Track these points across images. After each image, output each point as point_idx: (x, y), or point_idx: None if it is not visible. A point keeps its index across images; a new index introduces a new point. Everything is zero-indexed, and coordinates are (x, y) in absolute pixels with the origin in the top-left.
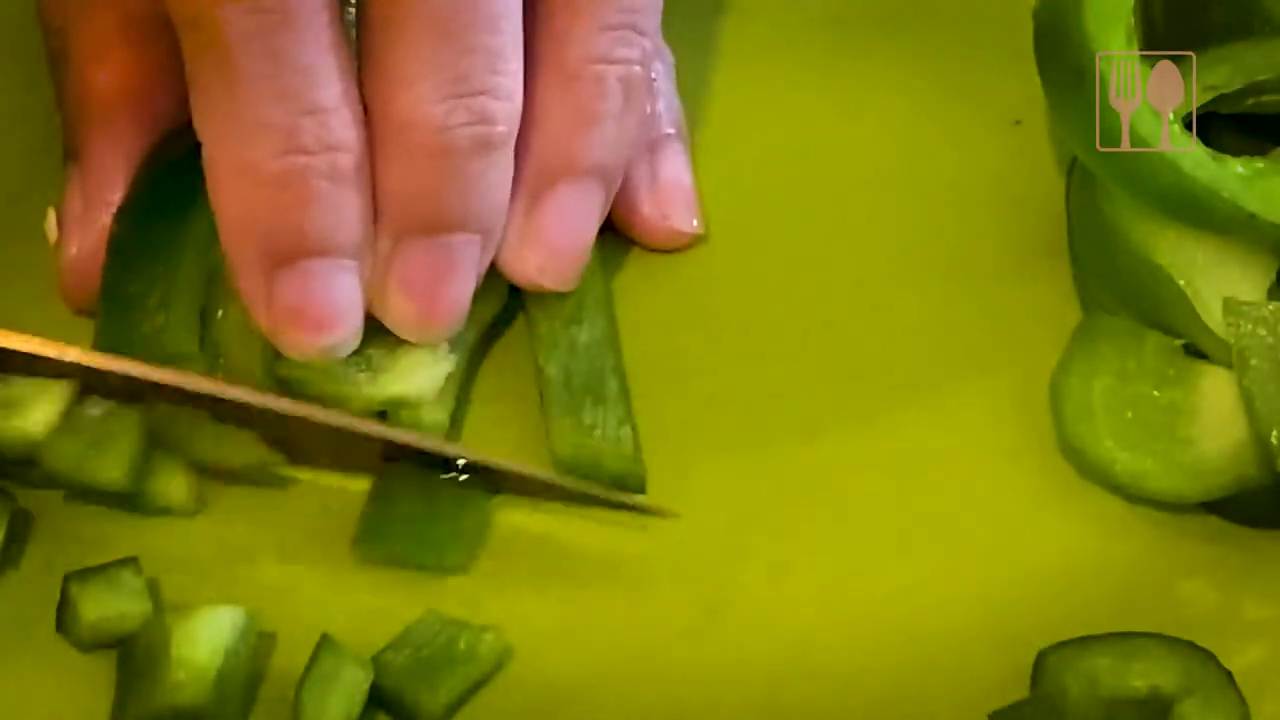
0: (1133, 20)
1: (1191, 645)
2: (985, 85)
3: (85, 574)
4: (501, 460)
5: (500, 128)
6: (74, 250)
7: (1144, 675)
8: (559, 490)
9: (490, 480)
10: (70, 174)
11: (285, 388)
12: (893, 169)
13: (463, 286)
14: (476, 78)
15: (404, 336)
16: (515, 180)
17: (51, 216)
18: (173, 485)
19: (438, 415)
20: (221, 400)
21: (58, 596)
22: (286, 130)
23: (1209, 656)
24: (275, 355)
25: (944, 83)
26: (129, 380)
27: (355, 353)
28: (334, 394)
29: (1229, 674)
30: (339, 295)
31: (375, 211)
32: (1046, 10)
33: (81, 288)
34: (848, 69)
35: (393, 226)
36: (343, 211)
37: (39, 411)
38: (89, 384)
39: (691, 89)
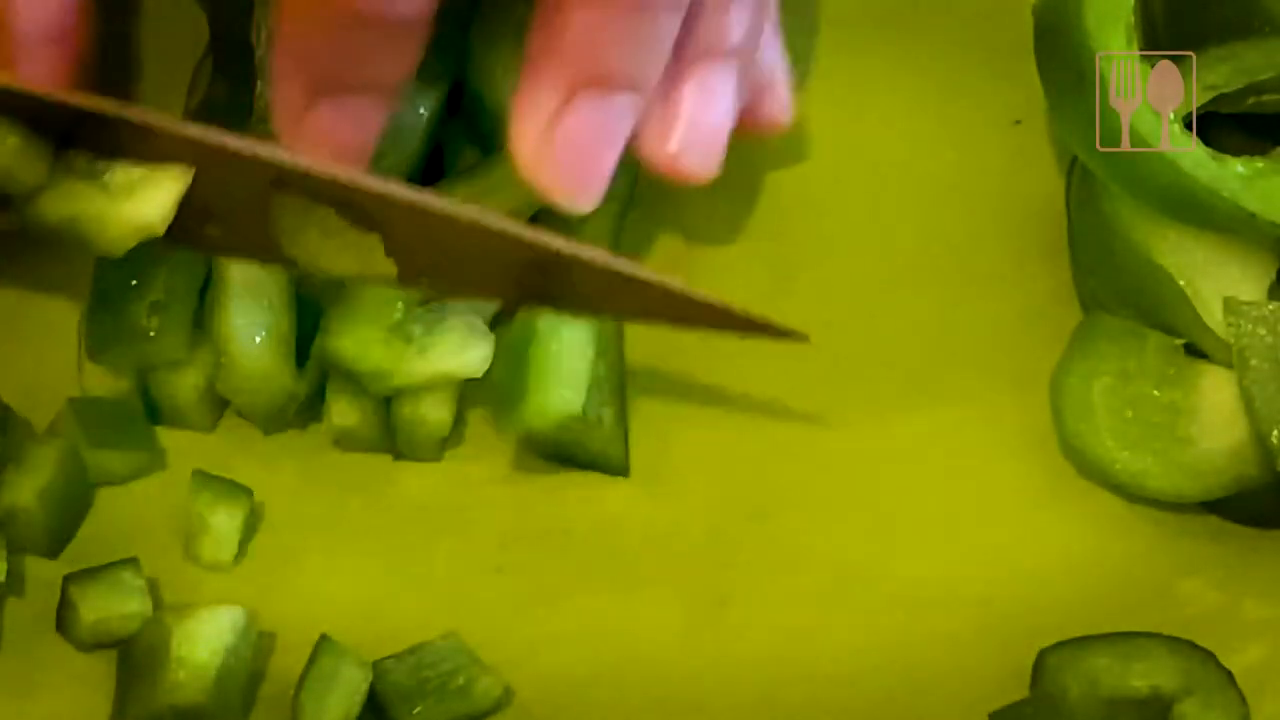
0: (1133, 20)
1: (1191, 645)
2: (985, 85)
3: (85, 574)
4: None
5: None
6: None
7: (1144, 675)
8: (693, 309)
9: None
10: None
11: (330, 363)
12: (893, 169)
13: (617, 153)
14: None
15: (549, 199)
16: None
17: None
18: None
19: (441, 413)
20: (353, 196)
21: (58, 597)
22: None
23: (1209, 656)
24: (323, 332)
25: (944, 83)
26: (254, 165)
27: (399, 328)
28: (381, 369)
29: (1229, 673)
30: (369, 131)
31: (539, 58)
32: (1046, 10)
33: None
34: (848, 68)
35: (565, 78)
36: (402, 58)
37: (155, 199)
38: (206, 168)
39: None
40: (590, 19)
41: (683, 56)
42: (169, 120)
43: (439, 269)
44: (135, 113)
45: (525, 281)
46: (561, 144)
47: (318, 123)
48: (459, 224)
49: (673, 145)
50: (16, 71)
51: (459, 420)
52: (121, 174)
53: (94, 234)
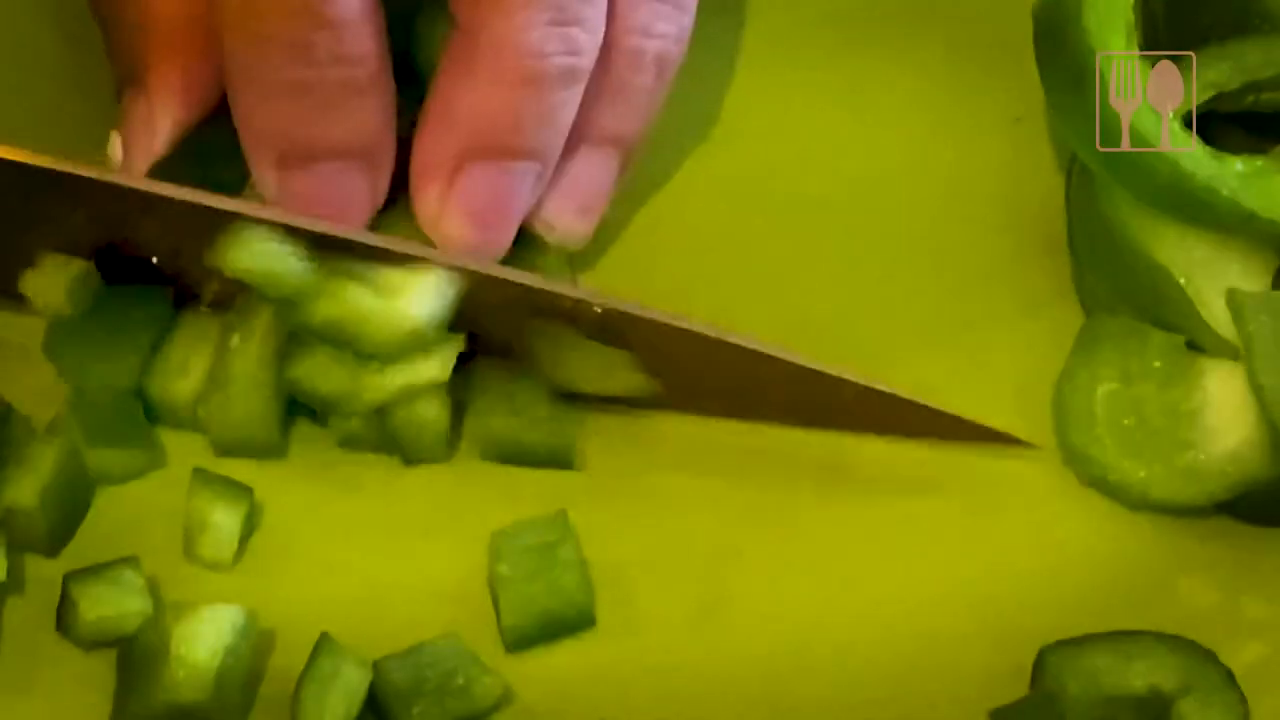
0: (1133, 19)
1: (1191, 644)
2: (985, 85)
3: (85, 574)
4: None
5: (585, 60)
6: (142, 171)
7: (1144, 674)
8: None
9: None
10: (131, 98)
11: (293, 388)
12: (893, 168)
13: (519, 215)
14: (572, 8)
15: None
16: None
17: (115, 140)
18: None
19: (435, 411)
20: (598, 317)
21: (58, 596)
22: (300, 44)
23: (1209, 655)
24: (284, 358)
25: (944, 82)
26: (505, 289)
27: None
28: (343, 390)
29: (1229, 672)
30: (347, 193)
31: (435, 124)
32: (1046, 10)
33: None
34: (848, 68)
35: (462, 145)
36: (355, 120)
37: (424, 297)
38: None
39: (692, 89)
40: (481, 91)
41: (572, 133)
42: (426, 248)
43: (689, 383)
44: (395, 242)
45: (773, 398)
46: (457, 206)
47: (292, 195)
48: (702, 340)
49: (540, 212)
50: (156, 66)
51: (458, 420)
52: (389, 274)
53: (363, 334)
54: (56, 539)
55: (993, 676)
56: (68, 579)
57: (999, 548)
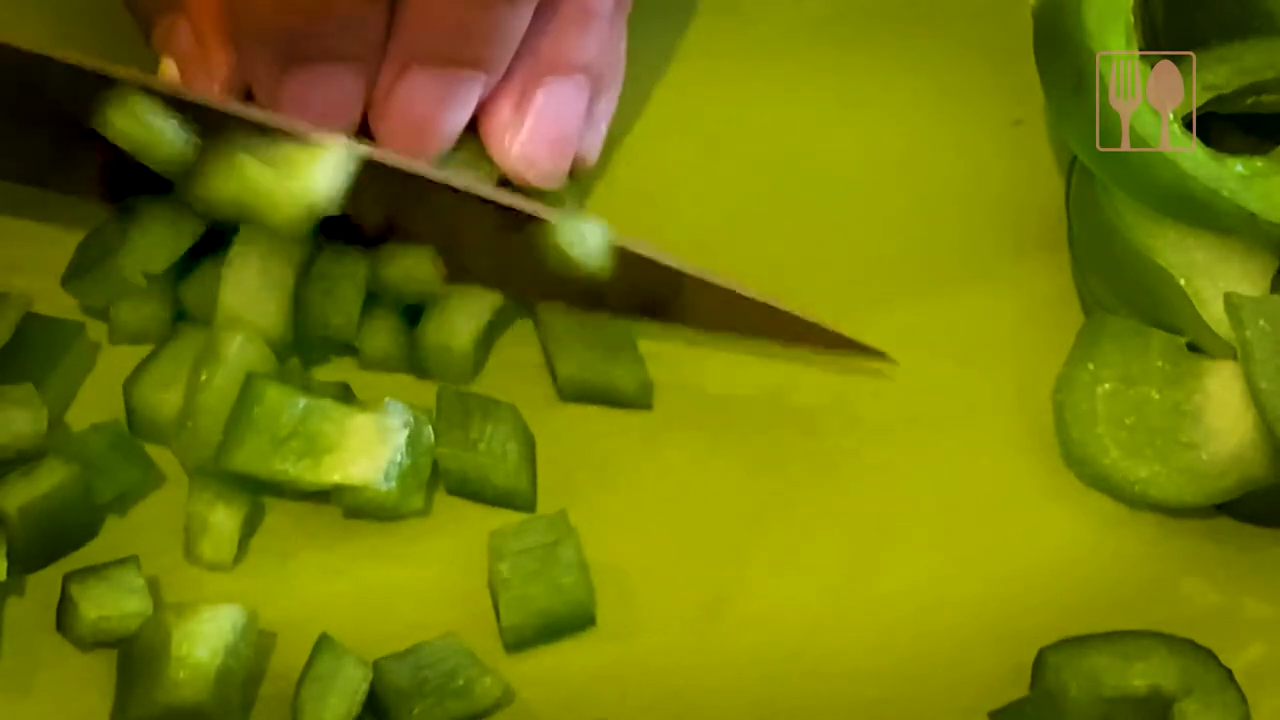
0: (1133, 20)
1: (1191, 644)
2: (985, 85)
3: (85, 574)
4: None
5: None
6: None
7: (1144, 674)
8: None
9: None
10: (170, 24)
11: (380, 282)
12: (893, 169)
13: (458, 122)
14: None
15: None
16: (508, 71)
17: (168, 65)
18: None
19: (466, 334)
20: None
21: (58, 596)
22: None
23: (1209, 655)
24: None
25: (944, 83)
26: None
27: (296, 434)
28: (279, 475)
29: (1229, 673)
30: (341, 95)
31: (390, 31)
32: (1046, 10)
33: None
34: (848, 69)
35: (407, 50)
36: (355, 25)
37: (323, 174)
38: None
39: (694, 90)
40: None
41: (538, 64)
42: (313, 127)
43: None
44: (285, 121)
45: (640, 295)
46: (395, 108)
47: (289, 93)
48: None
49: (516, 148)
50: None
51: (485, 346)
52: (287, 151)
53: (266, 212)
54: (37, 556)
55: (993, 677)
56: (68, 579)
57: (999, 547)
